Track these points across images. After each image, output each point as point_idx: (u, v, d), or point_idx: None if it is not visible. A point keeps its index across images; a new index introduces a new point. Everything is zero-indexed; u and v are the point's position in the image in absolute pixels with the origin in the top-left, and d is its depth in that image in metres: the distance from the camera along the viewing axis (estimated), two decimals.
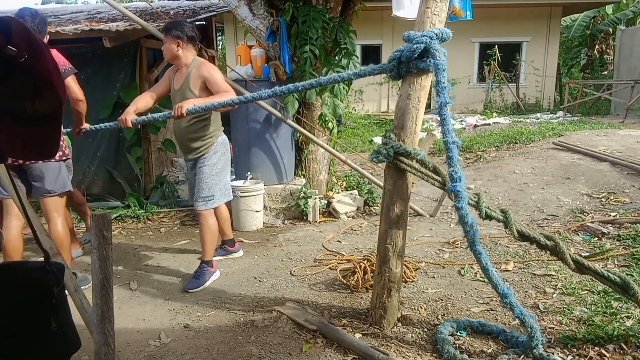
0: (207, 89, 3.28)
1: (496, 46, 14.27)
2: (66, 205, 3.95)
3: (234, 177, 5.15)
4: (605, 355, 2.29)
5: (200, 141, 3.36)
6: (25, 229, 4.49)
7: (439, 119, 2.36)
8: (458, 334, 2.56)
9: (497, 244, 3.94)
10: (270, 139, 4.85)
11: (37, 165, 3.04)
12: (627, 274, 3.12)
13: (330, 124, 5.13)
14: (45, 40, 3.38)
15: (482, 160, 7.00)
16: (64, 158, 3.21)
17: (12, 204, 3.01)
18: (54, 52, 3.40)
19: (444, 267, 3.52)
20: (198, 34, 3.41)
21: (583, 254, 3.56)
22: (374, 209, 5.12)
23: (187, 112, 3.10)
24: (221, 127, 3.52)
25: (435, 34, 2.35)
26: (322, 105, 5.06)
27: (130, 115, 3.30)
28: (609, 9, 16.06)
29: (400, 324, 2.69)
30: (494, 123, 10.62)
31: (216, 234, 3.54)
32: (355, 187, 5.48)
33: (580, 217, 4.45)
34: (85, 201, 4.30)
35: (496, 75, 14.20)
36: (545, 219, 4.54)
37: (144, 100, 3.48)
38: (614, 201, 4.75)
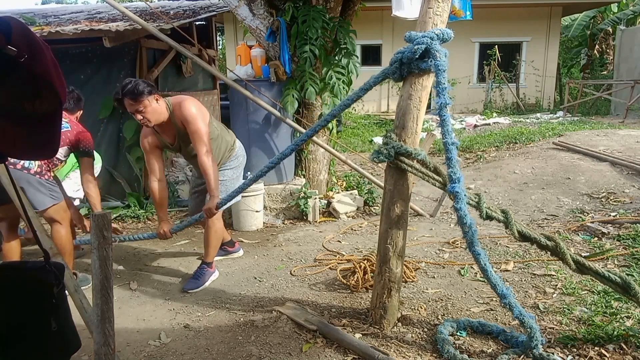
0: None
1: (496, 46, 14.28)
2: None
3: None
4: (605, 355, 2.29)
5: (224, 152, 3.44)
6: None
7: (439, 119, 2.36)
8: (458, 334, 2.56)
9: (497, 243, 3.94)
10: (270, 139, 4.85)
11: (17, 179, 2.94)
12: (627, 274, 3.12)
13: (330, 124, 5.13)
14: None
15: (482, 160, 7.00)
16: (44, 177, 3.13)
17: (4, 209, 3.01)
18: (83, 130, 3.31)
19: (444, 267, 3.52)
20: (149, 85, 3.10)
21: (583, 254, 3.56)
22: (374, 209, 5.12)
23: (219, 207, 3.19)
24: (233, 135, 3.59)
25: (437, 35, 2.35)
26: (322, 105, 5.06)
27: (167, 225, 3.31)
28: (614, 7, 16.03)
29: (400, 324, 2.69)
30: (494, 123, 10.63)
31: (221, 237, 3.55)
32: (355, 187, 5.48)
33: (580, 217, 4.45)
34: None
35: (496, 75, 14.20)
36: (545, 219, 4.54)
37: (161, 195, 3.26)
38: (614, 201, 4.75)
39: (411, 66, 2.42)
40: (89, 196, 3.29)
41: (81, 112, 3.53)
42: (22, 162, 3.03)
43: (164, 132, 3.18)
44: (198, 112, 3.09)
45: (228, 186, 3.41)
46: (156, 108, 3.01)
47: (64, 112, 3.02)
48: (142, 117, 2.98)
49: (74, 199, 4.01)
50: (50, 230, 3.17)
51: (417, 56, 2.36)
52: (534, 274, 3.31)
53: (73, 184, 3.94)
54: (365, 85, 2.65)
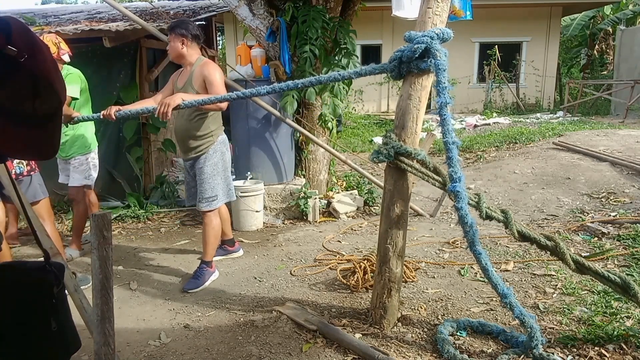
0: (206, 88, 3.26)
1: (496, 46, 14.27)
2: (80, 202, 3.98)
3: (234, 177, 5.15)
4: (605, 355, 2.29)
5: (200, 139, 3.33)
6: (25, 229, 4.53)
7: (439, 119, 2.36)
8: (458, 334, 2.56)
9: (497, 244, 3.94)
10: (270, 138, 4.85)
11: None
12: (627, 274, 3.12)
13: (330, 124, 5.13)
14: None
15: (482, 160, 7.00)
16: (31, 172, 3.23)
17: None
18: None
19: (444, 267, 3.52)
20: (202, 34, 3.41)
21: (583, 254, 3.56)
22: (374, 209, 5.12)
23: (179, 107, 3.03)
24: (222, 127, 3.49)
25: (436, 34, 2.35)
26: (322, 105, 5.06)
27: (115, 108, 3.27)
28: (607, 9, 16.09)
29: (400, 324, 2.69)
30: (494, 123, 10.62)
31: (219, 235, 3.53)
32: (355, 187, 5.48)
33: (580, 217, 4.45)
34: (98, 202, 4.28)
35: (496, 75, 14.20)
36: (545, 219, 4.54)
37: (145, 103, 3.48)
38: (614, 201, 4.75)
39: (410, 65, 2.42)
40: None
41: None
42: (13, 171, 3.08)
43: (181, 75, 3.45)
44: (220, 76, 3.32)
45: (211, 183, 3.35)
46: (175, 48, 3.30)
47: None
48: (167, 47, 3.39)
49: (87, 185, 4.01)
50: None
51: (416, 55, 2.36)
52: (534, 274, 3.31)
53: (83, 171, 3.95)
54: (360, 70, 2.62)
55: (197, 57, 3.35)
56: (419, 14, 2.56)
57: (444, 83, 2.31)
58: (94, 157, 4.02)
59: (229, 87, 4.82)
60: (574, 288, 3.01)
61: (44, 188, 3.33)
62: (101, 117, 3.31)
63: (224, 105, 3.21)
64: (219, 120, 3.46)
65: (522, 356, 2.29)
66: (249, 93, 2.99)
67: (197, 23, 7.00)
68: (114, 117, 3.26)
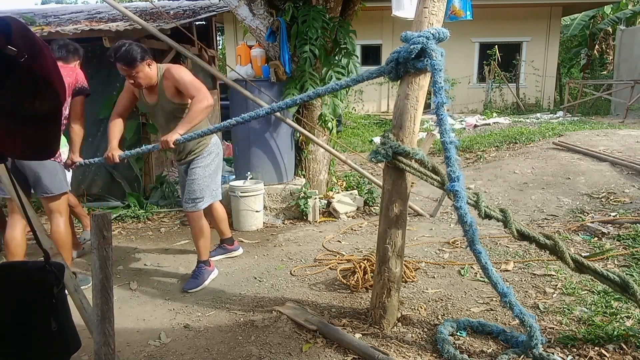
0: (181, 93, 3.15)
1: (496, 46, 14.28)
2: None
3: (233, 177, 5.16)
4: (605, 355, 2.29)
5: (191, 146, 3.32)
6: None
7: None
8: (458, 334, 2.56)
9: (497, 243, 3.95)
10: (270, 138, 4.85)
11: (33, 164, 3.04)
12: (627, 274, 3.12)
13: (330, 124, 5.13)
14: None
15: (482, 160, 7.00)
16: (58, 160, 3.20)
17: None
18: (78, 71, 3.43)
19: (444, 267, 3.52)
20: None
21: (583, 254, 3.56)
22: (374, 209, 5.12)
23: (176, 143, 3.08)
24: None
25: (432, 34, 2.35)
26: (322, 105, 5.06)
27: (116, 151, 3.24)
28: (607, 9, 16.11)
29: (400, 324, 2.69)
30: (494, 123, 10.62)
31: (208, 234, 3.46)
32: (355, 187, 5.48)
33: (580, 217, 4.45)
34: (79, 203, 4.29)
35: (496, 75, 14.20)
36: (545, 219, 4.54)
37: (117, 128, 3.34)
38: (614, 201, 4.75)
39: (407, 66, 2.42)
40: (73, 133, 3.39)
41: (79, 60, 3.64)
42: None
43: (148, 91, 3.23)
44: (188, 74, 3.15)
45: (200, 184, 3.32)
46: (148, 73, 3.08)
47: (59, 61, 3.17)
48: (133, 82, 3.07)
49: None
50: (50, 224, 3.20)
51: (413, 56, 2.36)
52: (534, 274, 3.31)
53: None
54: (358, 77, 2.66)
55: (157, 71, 3.17)
56: (415, 14, 2.56)
57: (441, 83, 2.31)
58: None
59: (228, 88, 4.84)
60: (574, 288, 3.01)
61: (68, 182, 3.31)
62: (105, 161, 3.32)
63: (211, 102, 3.12)
64: (206, 125, 3.40)
65: (522, 356, 2.29)
66: (247, 117, 3.01)
67: (197, 23, 7.02)
68: (117, 160, 3.25)
